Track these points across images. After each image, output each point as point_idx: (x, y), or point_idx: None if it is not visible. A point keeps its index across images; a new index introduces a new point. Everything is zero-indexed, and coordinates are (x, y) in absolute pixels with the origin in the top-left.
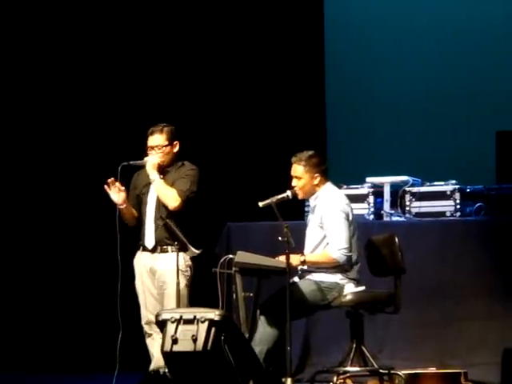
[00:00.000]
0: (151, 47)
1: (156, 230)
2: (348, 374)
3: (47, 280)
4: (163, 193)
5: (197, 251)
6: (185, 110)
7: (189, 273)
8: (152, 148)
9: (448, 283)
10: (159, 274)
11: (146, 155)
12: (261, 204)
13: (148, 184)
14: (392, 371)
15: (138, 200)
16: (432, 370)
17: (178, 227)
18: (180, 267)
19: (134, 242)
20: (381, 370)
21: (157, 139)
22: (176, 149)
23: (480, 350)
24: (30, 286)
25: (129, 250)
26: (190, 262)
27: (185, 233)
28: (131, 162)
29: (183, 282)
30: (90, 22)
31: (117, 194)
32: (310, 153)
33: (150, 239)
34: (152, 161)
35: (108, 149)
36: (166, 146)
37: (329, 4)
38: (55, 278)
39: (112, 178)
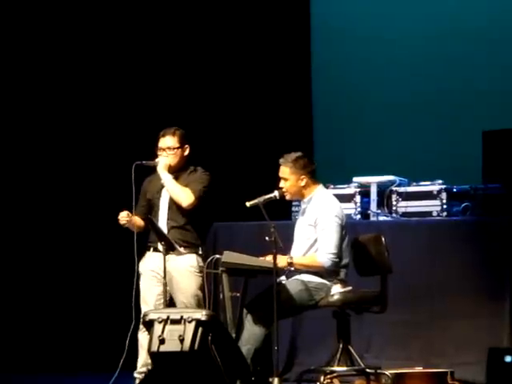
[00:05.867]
0: (145, 51)
1: (168, 233)
2: (335, 374)
3: (45, 281)
4: (176, 191)
5: (184, 251)
6: (173, 110)
7: (200, 274)
8: (163, 149)
9: (434, 283)
10: (172, 275)
11: (156, 156)
12: (248, 204)
13: (160, 189)
14: (379, 371)
15: (148, 204)
16: (419, 369)
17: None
18: (194, 268)
19: (142, 243)
20: (367, 370)
21: (169, 141)
22: (186, 152)
23: (467, 350)
24: (28, 286)
25: (126, 251)
26: (202, 264)
27: (198, 234)
28: (144, 162)
29: (198, 283)
30: (95, 23)
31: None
32: (297, 154)
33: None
34: (163, 162)
35: (112, 149)
36: (177, 148)
37: (315, 5)
38: (52, 279)
39: (124, 215)
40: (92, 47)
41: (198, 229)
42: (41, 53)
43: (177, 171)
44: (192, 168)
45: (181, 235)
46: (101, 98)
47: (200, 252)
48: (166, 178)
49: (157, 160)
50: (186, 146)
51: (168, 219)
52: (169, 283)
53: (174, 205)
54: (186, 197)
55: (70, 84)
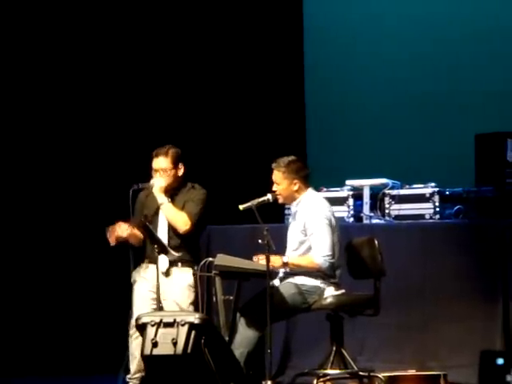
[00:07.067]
0: (139, 58)
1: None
2: (328, 377)
3: (44, 284)
4: (173, 216)
5: (177, 254)
6: (164, 109)
7: (194, 290)
8: (156, 171)
9: (427, 285)
10: (167, 289)
11: (151, 176)
12: (241, 207)
13: (159, 207)
14: (372, 373)
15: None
16: (412, 372)
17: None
18: (189, 283)
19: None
20: (361, 373)
21: (162, 162)
22: (181, 172)
23: (460, 352)
24: (28, 291)
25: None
26: (196, 281)
27: (192, 250)
28: (140, 185)
29: (191, 299)
30: (95, 31)
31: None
32: (290, 159)
33: (163, 260)
34: (159, 184)
35: (109, 157)
36: (170, 169)
37: (307, 5)
38: (51, 282)
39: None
40: (84, 61)
41: (194, 247)
42: (29, 71)
43: (173, 190)
44: (190, 185)
45: (181, 254)
46: (96, 110)
47: (195, 268)
48: (162, 201)
49: (152, 182)
50: (180, 165)
51: (169, 238)
52: (163, 295)
53: None
54: (182, 222)
55: (65, 99)
